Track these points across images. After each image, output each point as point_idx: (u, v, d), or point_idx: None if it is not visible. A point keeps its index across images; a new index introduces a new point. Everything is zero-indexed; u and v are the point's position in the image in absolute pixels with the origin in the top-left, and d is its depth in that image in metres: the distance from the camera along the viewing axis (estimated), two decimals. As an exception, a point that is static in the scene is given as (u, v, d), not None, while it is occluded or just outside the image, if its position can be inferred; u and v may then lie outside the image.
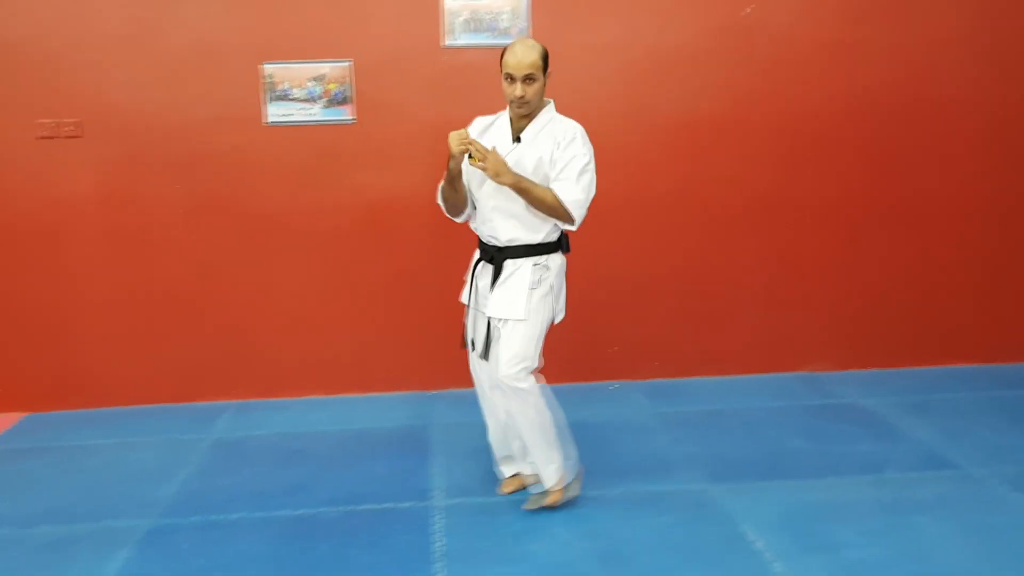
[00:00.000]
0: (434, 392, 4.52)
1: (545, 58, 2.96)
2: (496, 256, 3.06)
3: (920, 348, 4.70)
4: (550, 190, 2.95)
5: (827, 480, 3.30)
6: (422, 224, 4.40)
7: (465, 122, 4.33)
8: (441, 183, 3.15)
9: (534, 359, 3.00)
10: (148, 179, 4.28)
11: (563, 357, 4.55)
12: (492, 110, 4.35)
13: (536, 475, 3.18)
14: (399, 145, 4.36)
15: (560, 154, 2.97)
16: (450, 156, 2.97)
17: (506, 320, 3.02)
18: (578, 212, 2.98)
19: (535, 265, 3.03)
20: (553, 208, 2.94)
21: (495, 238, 3.06)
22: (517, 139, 3.04)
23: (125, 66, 4.19)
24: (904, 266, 4.62)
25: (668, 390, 4.45)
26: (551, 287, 3.05)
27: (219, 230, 4.35)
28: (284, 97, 4.28)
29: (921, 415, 3.95)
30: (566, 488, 3.12)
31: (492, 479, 3.37)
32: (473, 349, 3.21)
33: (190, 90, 4.24)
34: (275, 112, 4.28)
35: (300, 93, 4.28)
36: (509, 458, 3.31)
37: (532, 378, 3.00)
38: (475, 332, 3.19)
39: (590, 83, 4.37)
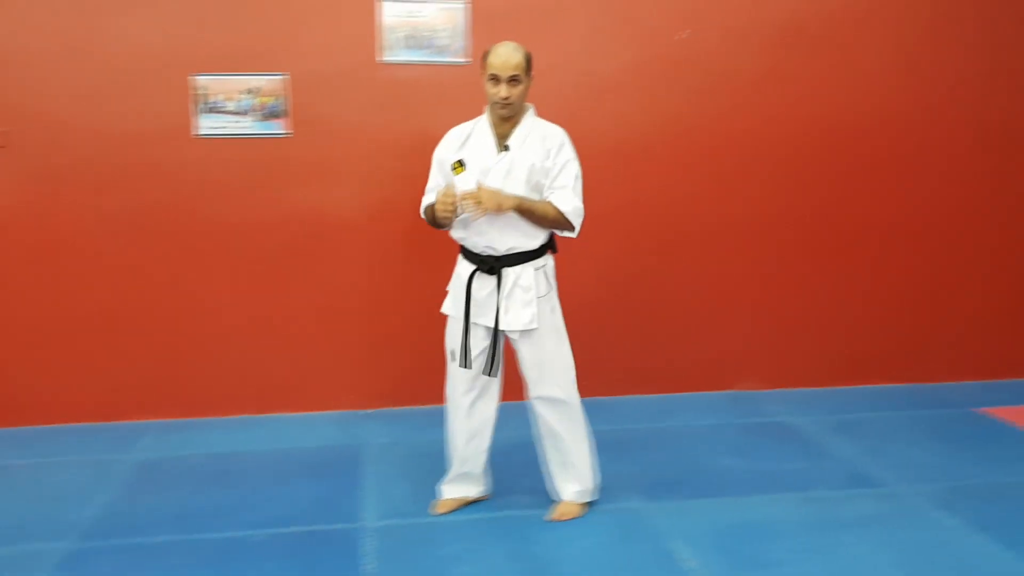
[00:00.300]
0: (368, 411, 4.46)
1: (529, 60, 2.98)
2: (495, 265, 3.03)
3: (844, 368, 4.82)
4: (550, 203, 2.96)
5: (757, 498, 3.34)
6: (357, 240, 4.36)
7: (401, 138, 4.34)
8: (425, 205, 3.16)
9: (574, 368, 3.13)
10: (72, 192, 4.14)
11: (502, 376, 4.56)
12: (429, 126, 4.34)
13: (482, 493, 3.29)
14: (335, 160, 4.31)
15: (552, 162, 2.99)
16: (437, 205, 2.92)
17: (526, 333, 3.05)
18: (578, 220, 3.01)
19: (536, 270, 3.04)
20: (556, 221, 2.97)
21: (492, 248, 3.02)
22: (505, 147, 3.01)
23: (51, 77, 4.06)
24: (828, 289, 4.73)
25: (601, 408, 4.46)
26: (551, 289, 3.10)
27: (145, 245, 4.23)
28: (216, 110, 4.20)
29: (847, 434, 4.04)
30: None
31: (424, 499, 3.33)
32: (464, 364, 3.12)
33: (118, 101, 4.13)
34: (206, 125, 4.19)
35: (233, 106, 4.21)
36: (465, 476, 3.27)
37: (576, 391, 3.15)
38: (472, 346, 3.10)
39: (526, 103, 4.39)
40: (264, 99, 4.21)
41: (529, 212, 2.93)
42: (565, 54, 4.40)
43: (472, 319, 3.09)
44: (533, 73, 3.04)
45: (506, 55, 2.92)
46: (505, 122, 3.02)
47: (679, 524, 3.11)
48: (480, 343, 3.09)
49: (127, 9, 4.09)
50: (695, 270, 4.61)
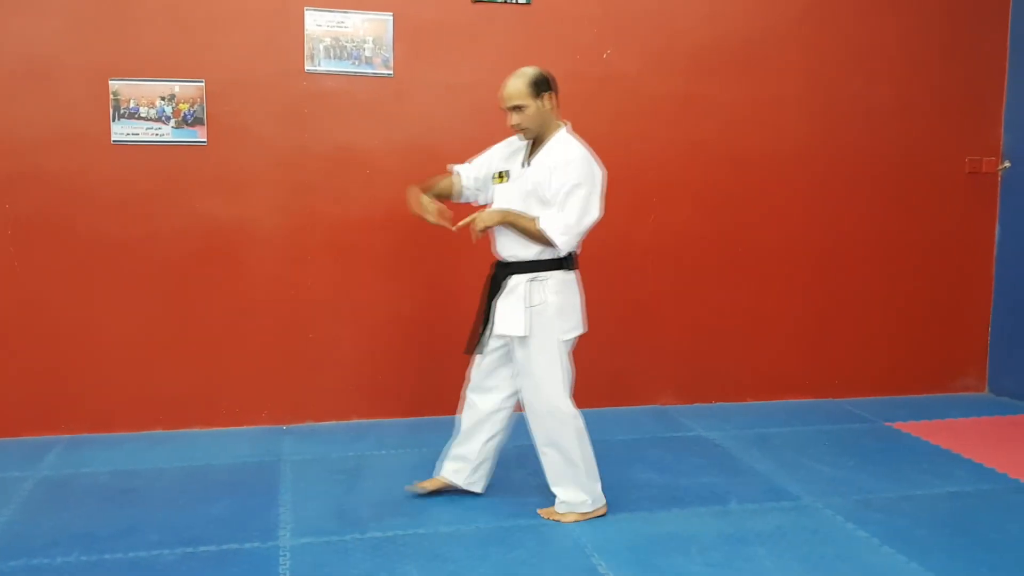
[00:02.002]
0: (284, 427, 4.37)
1: (536, 83, 3.09)
2: (499, 272, 3.22)
3: (761, 383, 4.92)
4: (534, 220, 3.07)
5: (674, 512, 3.38)
6: (271, 253, 4.29)
7: (323, 150, 4.28)
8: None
9: (564, 379, 3.17)
10: (-27, 196, 3.98)
11: (422, 392, 4.53)
12: (353, 138, 4.34)
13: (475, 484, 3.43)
14: (252, 170, 4.23)
15: (550, 180, 3.07)
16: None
17: (518, 340, 3.16)
18: (560, 238, 3.05)
19: (530, 281, 3.13)
20: (537, 236, 3.07)
21: (499, 254, 3.24)
22: (529, 164, 3.18)
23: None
24: (740, 307, 4.84)
25: (522, 423, 4.45)
26: (553, 305, 3.12)
27: (51, 255, 4.08)
28: (132, 115, 4.08)
29: (763, 448, 4.12)
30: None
31: (344, 516, 3.27)
32: (467, 350, 3.36)
33: (24, 106, 3.98)
34: (120, 131, 4.07)
35: (149, 112, 4.09)
36: (459, 458, 3.42)
37: (571, 402, 3.19)
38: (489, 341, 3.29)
39: (443, 119, 4.40)
40: (181, 105, 4.11)
41: (513, 225, 3.11)
42: (488, 70, 4.41)
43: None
44: (553, 90, 3.15)
45: (507, 85, 3.11)
46: (536, 142, 3.18)
47: (598, 538, 3.12)
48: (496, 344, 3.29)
49: (42, 9, 3.95)
50: (612, 287, 4.66)
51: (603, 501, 3.31)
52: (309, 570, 2.86)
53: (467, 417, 3.43)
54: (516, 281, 3.17)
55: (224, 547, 3.02)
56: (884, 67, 4.86)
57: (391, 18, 4.27)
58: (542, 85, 3.10)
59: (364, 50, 4.27)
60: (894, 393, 5.09)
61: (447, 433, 4.28)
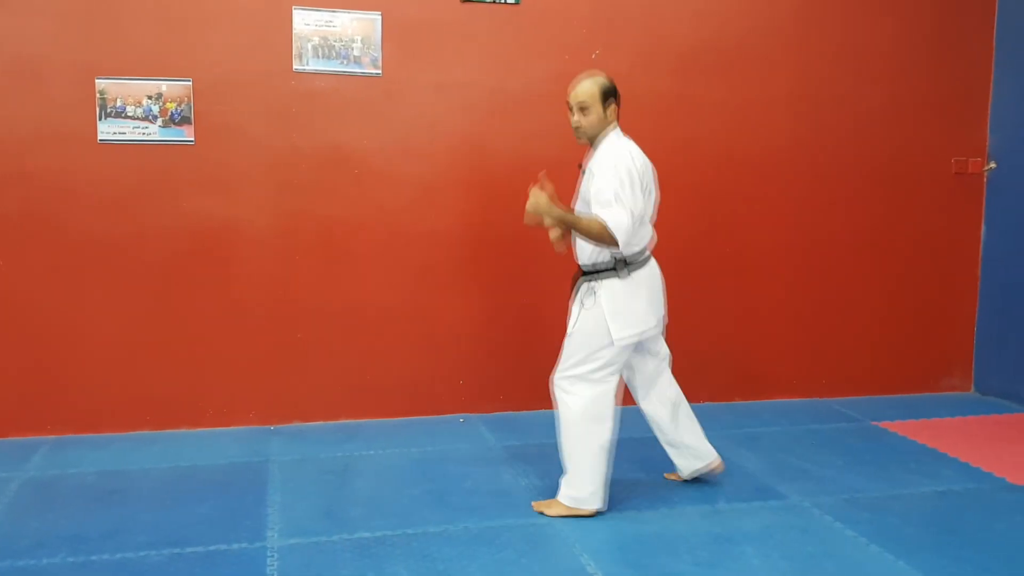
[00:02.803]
0: (273, 427, 4.36)
1: (605, 91, 3.19)
2: (577, 276, 3.35)
3: (749, 383, 4.94)
4: (595, 218, 3.10)
5: (662, 511, 3.38)
6: (260, 252, 4.27)
7: (311, 149, 4.27)
8: None
9: (578, 371, 3.24)
10: (-41, 195, 3.95)
11: (411, 392, 4.52)
12: (339, 137, 4.33)
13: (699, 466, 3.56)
14: (239, 170, 4.22)
15: (592, 181, 3.18)
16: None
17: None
18: (620, 231, 3.07)
19: (587, 284, 3.26)
20: (600, 234, 3.09)
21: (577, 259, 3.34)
22: (586, 167, 3.29)
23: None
24: (728, 307, 4.85)
25: (512, 423, 4.47)
26: (605, 308, 3.19)
27: (38, 254, 4.06)
28: (119, 114, 4.06)
29: (750, 447, 4.14)
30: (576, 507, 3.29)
31: (332, 516, 3.26)
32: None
33: (10, 105, 3.96)
34: (107, 130, 4.05)
35: (136, 111, 4.07)
36: (669, 444, 3.59)
37: (578, 392, 3.24)
38: None
39: (433, 118, 4.39)
40: (168, 104, 4.09)
41: (574, 224, 3.15)
42: (475, 70, 4.42)
43: None
44: (615, 101, 3.25)
45: (578, 84, 3.21)
46: (591, 145, 3.29)
47: (587, 538, 3.12)
48: None
49: (28, 7, 3.93)
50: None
51: (591, 505, 3.28)
52: (297, 571, 2.85)
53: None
54: (579, 285, 3.32)
55: (212, 548, 3.00)
56: (872, 68, 4.89)
57: (379, 17, 4.27)
58: (610, 94, 3.22)
59: (353, 49, 4.26)
60: (881, 393, 5.11)
61: (435, 433, 4.30)
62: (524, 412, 4.64)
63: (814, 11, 4.78)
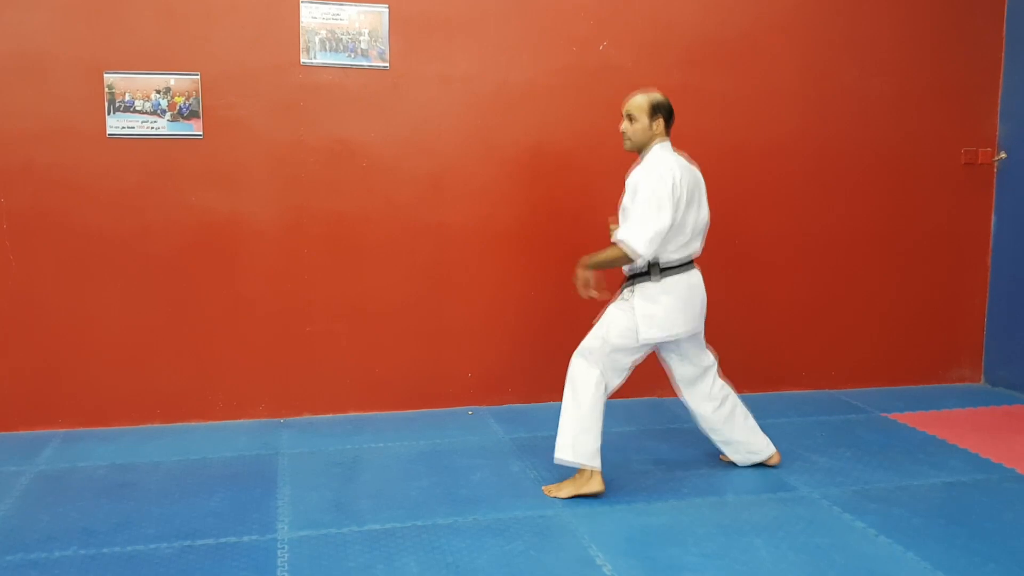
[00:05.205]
0: (282, 420, 4.37)
1: (655, 105, 3.37)
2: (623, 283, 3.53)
3: (758, 375, 4.93)
4: (612, 245, 3.33)
5: (671, 503, 3.38)
6: (268, 245, 4.28)
7: (319, 143, 4.28)
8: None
9: (594, 353, 3.39)
10: (-32, 190, 3.97)
11: (419, 385, 4.53)
12: (347, 131, 4.33)
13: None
14: (247, 164, 4.23)
15: (629, 196, 3.36)
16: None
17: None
18: (633, 242, 3.26)
19: (627, 288, 3.45)
20: (622, 255, 3.30)
21: None
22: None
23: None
24: (736, 298, 4.84)
25: (520, 416, 4.47)
26: (638, 309, 3.37)
27: (48, 249, 4.08)
28: (127, 109, 4.07)
29: (759, 439, 4.13)
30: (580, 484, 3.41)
31: (341, 508, 3.27)
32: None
33: (20, 100, 3.97)
34: (115, 124, 4.06)
35: (145, 105, 4.08)
36: (721, 442, 3.71)
37: (588, 371, 3.39)
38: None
39: (440, 111, 4.39)
40: (176, 99, 4.10)
41: (602, 265, 3.37)
42: (482, 63, 4.41)
43: None
44: (665, 118, 3.39)
45: (633, 96, 3.40)
46: (640, 155, 3.45)
47: (596, 530, 3.12)
48: None
49: (37, 2, 3.94)
50: (607, 280, 4.65)
51: (594, 462, 3.38)
52: (307, 563, 2.86)
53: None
54: (621, 288, 3.51)
55: (222, 540, 3.02)
56: (880, 58, 4.86)
57: (387, 10, 4.26)
58: (659, 109, 3.39)
59: (360, 43, 4.26)
60: (890, 384, 5.10)
61: (444, 425, 4.30)
62: (532, 404, 4.65)
63: (820, 1, 4.75)
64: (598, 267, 3.39)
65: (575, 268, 3.41)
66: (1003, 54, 5.01)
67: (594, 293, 3.40)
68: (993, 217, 5.12)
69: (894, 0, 4.84)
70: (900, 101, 4.92)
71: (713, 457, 3.89)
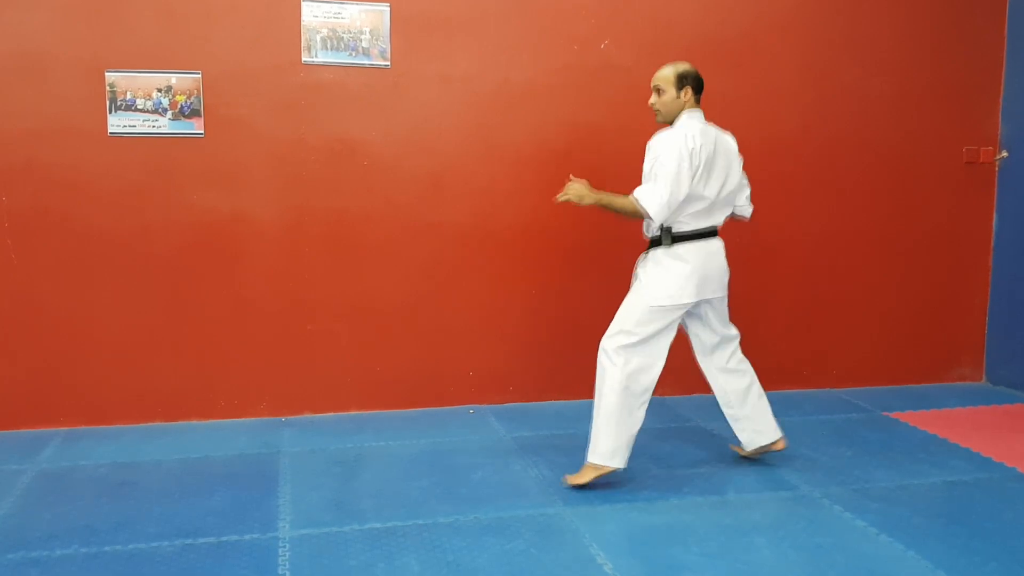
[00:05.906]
0: (283, 419, 4.38)
1: (681, 75, 3.39)
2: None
3: (759, 374, 4.89)
4: (628, 197, 3.33)
5: (672, 502, 3.38)
6: (269, 244, 4.29)
7: (320, 142, 4.28)
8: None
9: (622, 340, 3.38)
10: (-31, 189, 3.97)
11: (420, 383, 4.53)
12: (349, 130, 4.33)
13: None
14: (249, 162, 4.23)
15: (649, 160, 3.38)
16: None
17: None
18: (645, 200, 3.29)
19: (645, 254, 3.50)
20: (633, 208, 3.32)
21: None
22: None
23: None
24: (737, 297, 4.76)
25: (522, 414, 4.48)
26: (651, 274, 3.42)
27: (49, 248, 4.08)
28: (129, 107, 4.07)
29: (760, 438, 4.12)
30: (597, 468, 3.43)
31: (342, 507, 3.27)
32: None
33: (21, 99, 3.97)
34: (116, 123, 4.06)
35: (146, 104, 4.08)
36: (732, 418, 3.71)
37: (621, 359, 3.37)
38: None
39: (441, 110, 4.39)
40: (178, 97, 4.10)
41: (610, 206, 3.37)
42: (483, 62, 4.41)
43: None
44: (693, 88, 3.40)
45: (661, 69, 3.42)
46: (666, 124, 3.47)
47: (597, 529, 3.12)
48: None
49: (37, 1, 3.94)
50: (606, 278, 4.65)
51: (611, 461, 3.42)
52: (308, 561, 2.86)
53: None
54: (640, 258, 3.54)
55: (223, 539, 3.02)
56: (881, 56, 4.86)
57: (388, 9, 4.26)
58: (686, 79, 3.40)
59: (361, 41, 4.26)
60: (892, 383, 5.10)
61: (445, 424, 4.31)
62: (533, 403, 4.65)
63: (820, 0, 4.75)
64: (602, 205, 3.39)
65: (579, 183, 3.41)
66: (1005, 52, 5.01)
67: (566, 199, 3.41)
68: (995, 216, 5.12)
69: (895, -1, 4.85)
70: (901, 100, 4.92)
71: (714, 456, 3.89)
